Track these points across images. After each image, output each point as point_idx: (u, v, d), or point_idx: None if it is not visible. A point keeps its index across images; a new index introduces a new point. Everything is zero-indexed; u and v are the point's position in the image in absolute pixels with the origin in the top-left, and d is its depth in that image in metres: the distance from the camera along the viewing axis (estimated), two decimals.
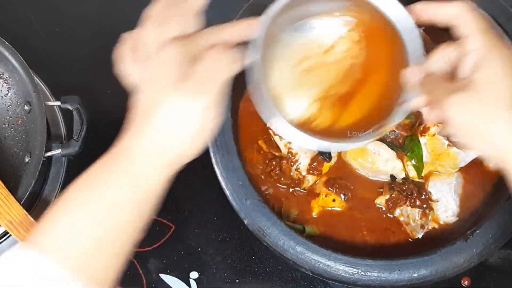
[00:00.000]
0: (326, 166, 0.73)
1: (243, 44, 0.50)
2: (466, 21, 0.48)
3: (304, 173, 0.72)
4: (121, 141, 0.47)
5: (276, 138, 0.72)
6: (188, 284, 0.74)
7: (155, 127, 0.46)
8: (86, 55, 0.85)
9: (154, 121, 0.46)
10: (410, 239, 0.70)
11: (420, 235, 0.70)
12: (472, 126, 0.47)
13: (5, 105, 0.74)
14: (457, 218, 0.70)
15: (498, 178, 0.72)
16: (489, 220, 0.65)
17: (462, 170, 0.72)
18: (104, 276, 0.46)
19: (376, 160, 0.70)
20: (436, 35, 0.79)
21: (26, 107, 0.71)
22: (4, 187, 0.68)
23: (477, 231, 0.64)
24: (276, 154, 0.73)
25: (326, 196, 0.71)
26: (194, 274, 0.75)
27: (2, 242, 0.68)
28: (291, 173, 0.72)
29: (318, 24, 0.58)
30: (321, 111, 0.57)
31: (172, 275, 0.75)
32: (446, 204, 0.71)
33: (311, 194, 0.72)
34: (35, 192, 0.71)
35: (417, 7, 0.52)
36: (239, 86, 0.74)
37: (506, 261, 0.67)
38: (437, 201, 0.71)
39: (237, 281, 0.74)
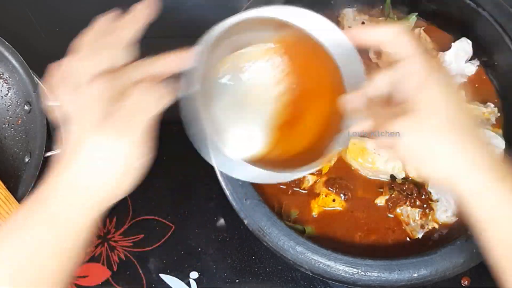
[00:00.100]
0: (326, 166, 0.73)
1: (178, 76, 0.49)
2: (403, 43, 0.47)
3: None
4: (46, 181, 0.46)
5: None
6: (188, 284, 0.74)
7: (77, 168, 0.45)
8: None
9: (76, 162, 0.45)
10: (410, 239, 0.70)
11: (420, 235, 0.70)
12: (417, 151, 0.47)
13: (5, 105, 0.74)
14: (457, 218, 0.70)
15: None
16: None
17: None
18: None
19: (376, 160, 0.70)
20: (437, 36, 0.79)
21: (26, 107, 0.71)
22: (4, 187, 0.68)
23: None
24: None
25: (326, 196, 0.71)
26: (194, 274, 0.75)
27: None
28: None
29: (256, 53, 0.56)
30: (263, 143, 0.55)
31: (172, 275, 0.75)
32: (446, 204, 0.70)
33: (311, 194, 0.72)
34: None
35: (353, 31, 0.51)
36: None
37: None
38: (437, 201, 0.71)
39: (237, 281, 0.74)
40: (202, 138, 0.50)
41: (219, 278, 0.74)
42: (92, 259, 0.75)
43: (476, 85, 0.77)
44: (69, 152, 0.45)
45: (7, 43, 0.71)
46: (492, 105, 0.75)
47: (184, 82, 0.48)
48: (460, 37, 0.76)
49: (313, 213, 0.71)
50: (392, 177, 0.72)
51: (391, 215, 0.71)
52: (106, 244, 0.76)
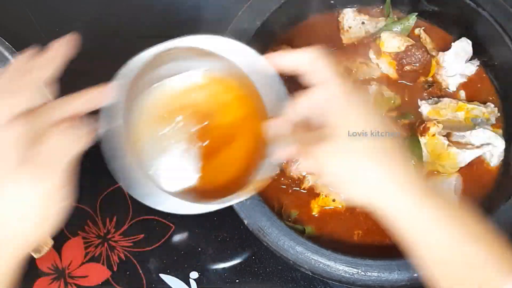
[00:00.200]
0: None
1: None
2: (320, 68, 0.47)
3: (304, 173, 0.72)
4: None
5: None
6: (188, 284, 0.74)
7: None
8: (86, 55, 0.84)
9: None
10: None
11: None
12: (340, 176, 0.47)
13: None
14: None
15: (498, 178, 0.72)
16: (489, 220, 0.65)
17: (462, 170, 0.72)
18: None
19: None
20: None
21: None
22: None
23: None
24: None
25: (326, 195, 0.71)
26: (194, 274, 0.75)
27: None
28: (291, 173, 0.72)
29: (177, 84, 0.56)
30: (190, 175, 0.55)
31: (172, 275, 0.75)
32: None
33: (311, 194, 0.72)
34: None
35: (273, 57, 0.50)
36: None
37: None
38: None
39: (237, 281, 0.74)
40: (125, 173, 0.50)
41: (219, 278, 0.74)
42: (92, 259, 0.75)
43: (476, 85, 0.77)
44: None
45: (7, 43, 0.71)
46: (492, 105, 0.75)
47: (105, 118, 0.48)
48: (460, 37, 0.76)
49: (313, 213, 0.71)
50: None
51: None
52: (106, 244, 0.76)
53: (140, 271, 0.75)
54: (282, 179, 0.71)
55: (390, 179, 0.46)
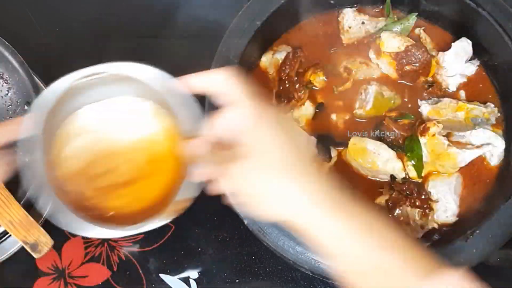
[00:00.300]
0: (326, 166, 0.73)
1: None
2: (232, 88, 0.48)
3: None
4: None
5: None
6: (188, 284, 0.74)
7: None
8: (86, 55, 0.85)
9: None
10: None
11: (420, 235, 0.70)
12: (253, 195, 0.47)
13: (5, 105, 0.74)
14: (457, 218, 0.70)
15: (498, 178, 0.72)
16: (489, 220, 0.65)
17: (462, 170, 0.72)
18: None
19: (376, 160, 0.70)
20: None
21: (26, 107, 0.71)
22: (4, 187, 0.68)
23: (477, 231, 0.64)
24: None
25: None
26: (194, 274, 0.75)
27: (2, 242, 0.68)
28: None
29: (92, 113, 0.57)
30: (112, 201, 0.55)
31: (172, 275, 0.75)
32: (446, 204, 0.70)
33: None
34: None
35: (186, 79, 0.51)
36: None
37: (506, 261, 0.67)
38: (437, 201, 0.71)
39: (237, 281, 0.74)
40: (46, 202, 0.50)
41: (219, 278, 0.74)
42: (92, 259, 0.75)
43: (476, 85, 0.77)
44: None
45: (7, 43, 0.71)
46: (492, 105, 0.75)
47: (22, 150, 0.48)
48: (460, 37, 0.76)
49: None
50: (392, 177, 0.72)
51: (391, 215, 0.71)
52: (106, 244, 0.76)
53: (140, 271, 0.75)
54: None
55: (302, 193, 0.46)
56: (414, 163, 0.71)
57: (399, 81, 0.77)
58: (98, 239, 0.76)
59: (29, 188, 0.50)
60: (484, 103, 0.75)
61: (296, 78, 0.74)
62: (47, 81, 0.78)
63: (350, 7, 0.79)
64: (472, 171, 0.73)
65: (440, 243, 0.66)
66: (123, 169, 0.55)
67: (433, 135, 0.70)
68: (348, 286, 0.47)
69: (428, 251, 0.47)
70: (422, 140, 0.71)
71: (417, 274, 0.46)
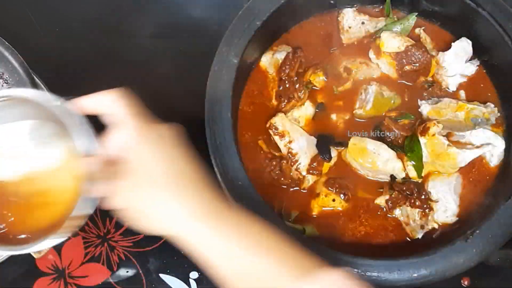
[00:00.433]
0: (326, 166, 0.73)
1: None
2: (118, 107, 0.50)
3: (304, 173, 0.72)
4: None
5: (276, 138, 0.72)
6: (188, 284, 0.74)
7: None
8: (86, 55, 0.85)
9: None
10: (410, 239, 0.70)
11: (420, 235, 0.70)
12: (139, 210, 0.49)
13: None
14: (457, 218, 0.70)
15: (498, 178, 0.72)
16: (489, 220, 0.65)
17: (462, 170, 0.72)
18: None
19: (376, 160, 0.70)
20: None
21: None
22: None
23: (477, 231, 0.64)
24: (276, 154, 0.73)
25: (326, 196, 0.71)
26: (194, 274, 0.75)
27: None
28: (291, 173, 0.72)
29: None
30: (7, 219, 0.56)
31: (172, 275, 0.75)
32: (446, 204, 0.70)
33: (311, 194, 0.72)
34: None
35: (77, 101, 0.53)
36: (239, 86, 0.75)
37: (506, 261, 0.67)
38: (437, 201, 0.71)
39: None
40: None
41: None
42: (92, 259, 0.75)
43: (476, 85, 0.77)
44: None
45: (7, 43, 0.71)
46: (492, 105, 0.75)
47: None
48: (460, 37, 0.76)
49: (313, 213, 0.71)
50: (392, 177, 0.72)
51: (391, 215, 0.71)
52: (106, 244, 0.76)
53: (140, 271, 0.75)
54: (282, 179, 0.71)
55: (182, 207, 0.48)
56: (414, 163, 0.71)
57: (399, 81, 0.77)
58: (96, 239, 0.76)
59: None
60: (484, 103, 0.75)
61: (296, 78, 0.74)
62: (47, 81, 0.78)
63: (350, 7, 0.79)
64: (472, 171, 0.73)
65: (440, 243, 0.66)
66: (17, 189, 0.56)
67: (433, 135, 0.70)
68: None
69: (308, 253, 0.49)
70: (422, 140, 0.71)
71: (293, 274, 0.47)
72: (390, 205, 0.71)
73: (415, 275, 0.63)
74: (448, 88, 0.77)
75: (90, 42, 0.85)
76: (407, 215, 0.70)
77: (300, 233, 0.65)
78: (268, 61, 0.77)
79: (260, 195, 0.66)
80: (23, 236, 0.55)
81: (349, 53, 0.78)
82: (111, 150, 0.50)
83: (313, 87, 0.76)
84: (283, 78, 0.75)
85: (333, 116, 0.75)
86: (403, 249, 0.70)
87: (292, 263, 0.49)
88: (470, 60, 0.77)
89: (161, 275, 0.74)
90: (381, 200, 0.71)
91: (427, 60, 0.75)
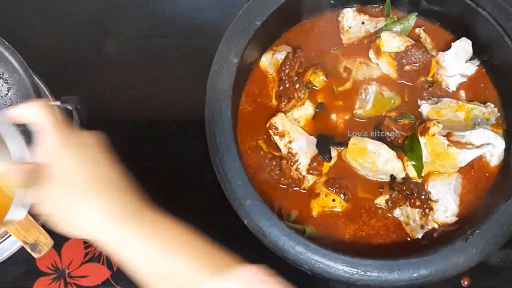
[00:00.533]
0: (326, 166, 0.73)
1: None
2: (40, 117, 0.53)
3: (304, 173, 0.72)
4: None
5: (276, 138, 0.72)
6: None
7: None
8: (86, 55, 0.85)
9: None
10: (410, 239, 0.70)
11: (420, 235, 0.70)
12: (61, 213, 0.51)
13: (5, 105, 0.74)
14: (457, 218, 0.70)
15: (498, 178, 0.72)
16: (489, 220, 0.65)
17: (462, 170, 0.72)
18: None
19: (376, 160, 0.70)
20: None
21: None
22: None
23: (477, 231, 0.64)
24: (276, 154, 0.73)
25: (326, 196, 0.71)
26: None
27: (2, 242, 0.68)
28: (291, 173, 0.72)
29: None
30: None
31: None
32: (446, 204, 0.70)
33: (311, 194, 0.72)
34: None
35: (8, 112, 0.55)
36: (239, 86, 0.75)
37: (506, 261, 0.67)
38: (437, 201, 0.71)
39: None
40: None
41: None
42: (92, 259, 0.75)
43: (476, 85, 0.77)
44: None
45: (7, 43, 0.71)
46: (492, 105, 0.75)
47: None
48: (460, 37, 0.76)
49: (313, 213, 0.71)
50: (392, 177, 0.72)
51: (391, 215, 0.71)
52: None
53: None
54: (282, 179, 0.71)
55: (100, 209, 0.50)
56: (414, 163, 0.71)
57: (399, 81, 0.77)
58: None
59: None
60: (484, 103, 0.75)
61: (296, 78, 0.74)
62: (47, 81, 0.78)
63: (350, 7, 0.79)
64: (472, 171, 0.73)
65: (440, 243, 0.66)
66: None
67: (433, 135, 0.70)
68: None
69: (224, 250, 0.51)
70: (422, 140, 0.71)
71: (209, 271, 0.49)
72: (390, 205, 0.71)
73: (415, 275, 0.63)
74: (448, 88, 0.77)
75: (90, 42, 0.85)
76: (407, 215, 0.70)
77: (300, 233, 0.65)
78: (268, 61, 0.78)
79: (260, 195, 0.66)
80: None
81: (349, 53, 0.78)
82: (37, 156, 0.52)
83: (313, 87, 0.76)
84: (283, 78, 0.75)
85: (333, 116, 0.75)
86: (403, 249, 0.70)
87: (209, 261, 0.50)
88: (470, 60, 0.77)
89: None
90: (381, 200, 0.71)
91: (427, 60, 0.75)
